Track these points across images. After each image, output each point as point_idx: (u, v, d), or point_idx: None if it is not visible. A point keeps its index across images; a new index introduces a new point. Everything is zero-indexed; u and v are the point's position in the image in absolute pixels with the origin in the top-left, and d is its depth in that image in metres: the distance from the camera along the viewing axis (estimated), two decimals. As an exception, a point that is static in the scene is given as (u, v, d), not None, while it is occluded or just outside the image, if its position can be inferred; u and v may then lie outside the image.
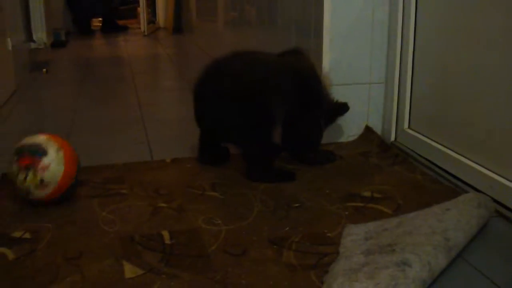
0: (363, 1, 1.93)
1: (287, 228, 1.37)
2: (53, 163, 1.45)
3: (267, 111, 1.66)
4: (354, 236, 1.29)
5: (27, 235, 1.35)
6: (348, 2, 1.92)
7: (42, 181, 1.44)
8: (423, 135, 1.87)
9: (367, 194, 1.58)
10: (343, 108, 1.86)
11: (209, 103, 1.70)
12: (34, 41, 4.32)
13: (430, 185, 1.65)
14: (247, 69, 1.70)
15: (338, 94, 1.87)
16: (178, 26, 5.73)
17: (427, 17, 1.82)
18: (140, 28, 5.88)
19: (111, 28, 6.02)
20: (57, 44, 4.80)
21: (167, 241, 1.31)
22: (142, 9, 5.69)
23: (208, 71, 1.75)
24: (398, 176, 1.72)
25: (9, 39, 2.99)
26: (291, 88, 1.71)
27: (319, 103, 1.78)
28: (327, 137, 1.93)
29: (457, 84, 1.69)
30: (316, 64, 1.84)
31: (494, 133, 1.54)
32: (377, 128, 2.05)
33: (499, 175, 1.52)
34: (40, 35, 4.38)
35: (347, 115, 1.89)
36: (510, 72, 1.46)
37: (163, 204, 1.52)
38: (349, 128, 2.02)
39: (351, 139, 2.04)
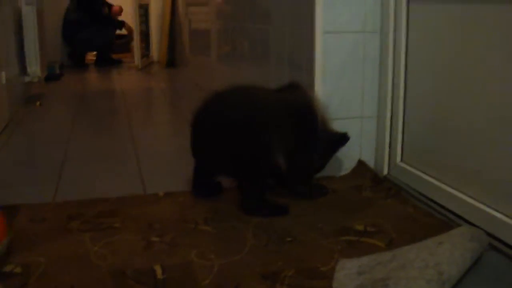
0: (354, 37, 1.96)
1: (280, 262, 1.36)
2: None
3: (266, 145, 1.67)
4: (347, 271, 1.29)
5: (18, 270, 1.33)
6: (339, 38, 1.94)
7: None
8: (415, 169, 1.87)
9: (360, 228, 1.58)
10: (343, 138, 1.87)
11: (208, 135, 1.71)
12: (28, 75, 4.33)
13: (423, 218, 1.65)
14: (248, 103, 1.71)
15: (330, 128, 1.88)
16: (172, 60, 5.76)
17: (418, 52, 1.84)
18: (134, 62, 5.91)
19: (105, 62, 6.05)
20: (51, 77, 4.81)
21: (159, 276, 1.30)
22: (136, 43, 5.72)
23: (208, 103, 1.76)
24: (391, 210, 1.72)
25: (3, 73, 3.00)
26: (288, 123, 1.72)
27: (314, 138, 1.79)
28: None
29: (449, 117, 1.70)
30: (314, 98, 1.86)
31: (486, 166, 1.55)
32: (370, 162, 2.06)
33: (492, 208, 1.52)
34: (34, 68, 4.40)
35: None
36: (501, 107, 1.48)
37: (155, 238, 1.51)
38: (342, 162, 2.02)
39: (344, 173, 2.04)
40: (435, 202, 1.74)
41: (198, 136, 1.76)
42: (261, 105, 1.71)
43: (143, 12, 5.92)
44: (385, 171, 2.02)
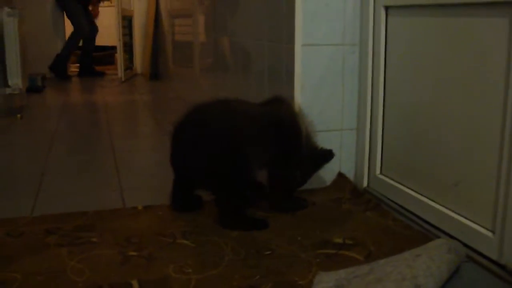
0: (333, 50, 1.97)
1: (258, 276, 1.36)
2: None
3: (242, 160, 1.66)
4: (325, 284, 1.28)
5: (-8, 286, 1.32)
6: (318, 51, 1.95)
7: None
8: (395, 181, 1.88)
9: (339, 240, 1.58)
10: (328, 155, 1.88)
11: (187, 148, 1.71)
12: (9, 87, 4.30)
13: (402, 230, 1.66)
14: (226, 117, 1.71)
15: (310, 140, 1.88)
16: (155, 72, 5.76)
17: (397, 65, 1.86)
18: (117, 74, 5.90)
19: (88, 74, 6.04)
20: (33, 89, 4.78)
21: (136, 291, 1.29)
22: (119, 55, 5.72)
23: (188, 116, 1.75)
24: (370, 222, 1.72)
25: (-17, 86, 2.97)
26: (270, 137, 1.73)
27: (297, 152, 1.79)
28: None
29: (427, 130, 1.71)
30: (298, 112, 1.87)
31: (463, 178, 1.56)
32: (350, 174, 2.07)
33: (469, 219, 1.53)
34: (16, 80, 4.37)
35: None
36: (477, 120, 1.49)
37: (133, 253, 1.50)
38: (322, 174, 2.03)
39: (324, 185, 2.05)
40: (414, 214, 1.74)
41: (177, 148, 1.75)
42: (240, 119, 1.71)
43: (127, 23, 5.92)
44: (365, 184, 2.02)
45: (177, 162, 1.76)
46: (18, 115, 3.64)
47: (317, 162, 1.89)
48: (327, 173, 2.04)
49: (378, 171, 1.97)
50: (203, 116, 1.73)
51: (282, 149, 1.76)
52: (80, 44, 5.96)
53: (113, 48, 6.29)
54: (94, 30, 6.00)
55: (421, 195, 1.74)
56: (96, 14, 6.07)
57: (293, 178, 1.86)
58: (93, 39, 6.04)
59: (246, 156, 1.67)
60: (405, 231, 1.65)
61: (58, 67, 5.82)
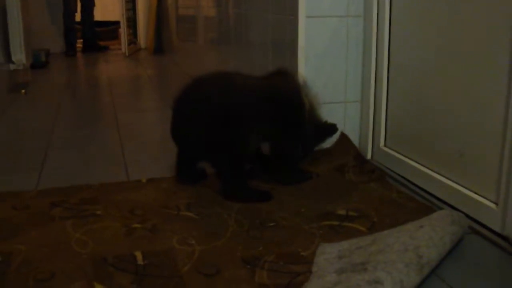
0: (337, 21, 1.95)
1: (261, 247, 1.36)
2: None
3: (240, 133, 1.66)
4: (328, 255, 1.29)
5: (-2, 258, 1.33)
6: (322, 22, 1.93)
7: None
8: (399, 153, 1.88)
9: (342, 212, 1.58)
10: (331, 129, 1.87)
11: (185, 120, 1.71)
12: (13, 63, 4.30)
13: (405, 202, 1.66)
14: (225, 90, 1.70)
15: (314, 113, 1.87)
16: (159, 46, 5.73)
17: (401, 36, 1.84)
18: (121, 49, 5.88)
19: (92, 49, 6.02)
20: (36, 65, 4.77)
21: (140, 262, 1.30)
22: (123, 30, 5.69)
23: (188, 89, 1.75)
24: (374, 194, 1.72)
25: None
26: (269, 109, 1.72)
27: (298, 125, 1.79)
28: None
29: (432, 102, 1.70)
30: (302, 85, 1.86)
31: (467, 150, 1.56)
32: (354, 146, 2.06)
33: (473, 191, 1.53)
34: (19, 56, 4.37)
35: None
36: (482, 91, 1.48)
37: (137, 225, 1.51)
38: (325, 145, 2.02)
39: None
40: (417, 186, 1.74)
41: (177, 121, 1.75)
42: (239, 92, 1.71)
43: (130, -2, 5.88)
44: (369, 156, 2.02)
45: (177, 135, 1.76)
46: (22, 91, 3.64)
47: (320, 136, 1.89)
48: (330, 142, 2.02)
49: (382, 143, 1.97)
50: (203, 89, 1.73)
51: (283, 122, 1.76)
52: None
53: (117, 23, 6.25)
54: (87, 4, 5.90)
55: (425, 167, 1.74)
56: None
57: (295, 151, 1.85)
58: (89, 13, 5.95)
59: (245, 129, 1.67)
60: (409, 203, 1.65)
61: (66, 44, 5.80)
